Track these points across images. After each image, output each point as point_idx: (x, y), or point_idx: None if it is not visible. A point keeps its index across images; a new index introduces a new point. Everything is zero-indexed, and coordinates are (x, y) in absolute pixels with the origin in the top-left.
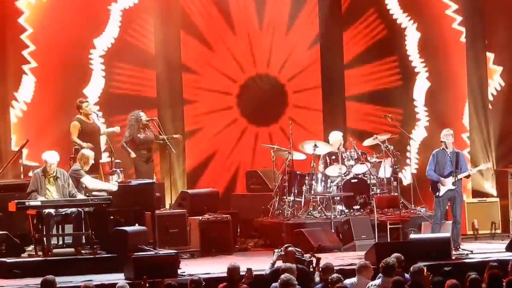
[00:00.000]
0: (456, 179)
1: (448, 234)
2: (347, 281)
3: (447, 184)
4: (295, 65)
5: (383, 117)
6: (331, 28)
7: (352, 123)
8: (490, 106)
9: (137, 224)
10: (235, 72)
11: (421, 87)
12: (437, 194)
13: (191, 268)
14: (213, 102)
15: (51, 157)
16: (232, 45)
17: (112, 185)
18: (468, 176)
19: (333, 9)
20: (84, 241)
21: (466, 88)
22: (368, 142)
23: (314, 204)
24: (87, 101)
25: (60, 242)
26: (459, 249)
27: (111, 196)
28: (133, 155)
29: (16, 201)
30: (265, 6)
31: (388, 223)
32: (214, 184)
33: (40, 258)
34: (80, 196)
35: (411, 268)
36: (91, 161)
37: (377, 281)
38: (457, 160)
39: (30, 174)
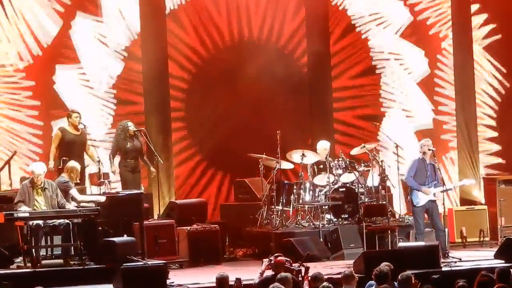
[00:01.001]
0: (444, 190)
1: (436, 242)
2: None
3: (429, 194)
4: (283, 75)
5: (372, 125)
6: (319, 41)
7: (340, 134)
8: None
9: (125, 235)
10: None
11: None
12: (417, 203)
13: (180, 278)
14: (201, 108)
15: (38, 168)
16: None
17: (101, 196)
18: (449, 190)
19: (321, 27)
20: (72, 252)
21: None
22: (355, 151)
23: (302, 213)
24: (78, 113)
25: (49, 254)
26: (448, 257)
27: (99, 207)
28: (116, 171)
29: (4, 212)
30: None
31: (376, 232)
32: (202, 194)
33: (29, 270)
34: (69, 206)
35: (399, 276)
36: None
37: None
38: (434, 171)
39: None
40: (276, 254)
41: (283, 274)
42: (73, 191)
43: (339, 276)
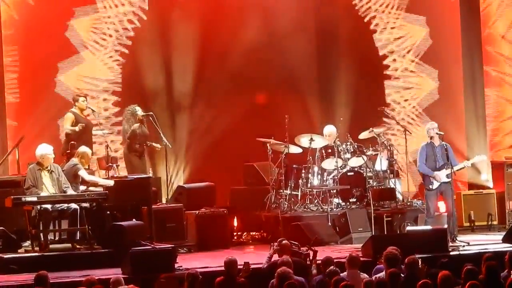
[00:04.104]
0: (452, 172)
1: (445, 226)
2: (343, 275)
3: (441, 177)
4: (293, 55)
5: (379, 109)
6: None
7: (348, 117)
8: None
9: (134, 219)
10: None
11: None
12: (430, 187)
13: (188, 262)
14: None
15: (48, 149)
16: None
17: (109, 180)
18: (462, 168)
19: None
20: (79, 236)
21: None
22: (364, 135)
23: (310, 197)
24: (84, 97)
25: (57, 238)
26: (456, 241)
27: (107, 191)
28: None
29: (12, 197)
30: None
31: (384, 216)
32: (210, 177)
33: (37, 254)
34: (71, 191)
35: (406, 260)
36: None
37: (382, 274)
38: (446, 153)
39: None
40: (280, 239)
41: (283, 258)
42: (82, 172)
43: None
